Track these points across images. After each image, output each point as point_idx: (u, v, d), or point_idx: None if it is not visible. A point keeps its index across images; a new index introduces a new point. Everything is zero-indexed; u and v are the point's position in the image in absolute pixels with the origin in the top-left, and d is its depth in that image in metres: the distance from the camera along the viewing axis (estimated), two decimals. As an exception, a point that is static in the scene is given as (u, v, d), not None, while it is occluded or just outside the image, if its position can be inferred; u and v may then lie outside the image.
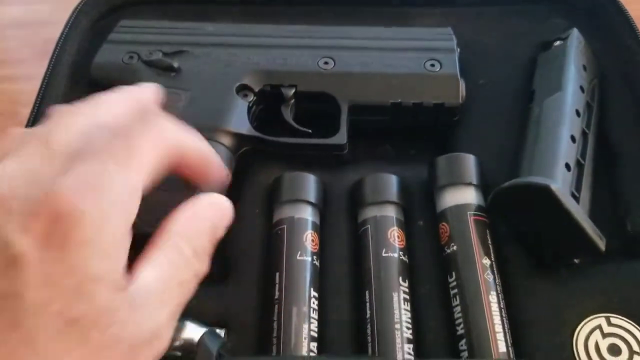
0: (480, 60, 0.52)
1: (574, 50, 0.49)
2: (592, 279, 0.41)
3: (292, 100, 0.48)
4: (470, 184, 0.43)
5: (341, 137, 0.46)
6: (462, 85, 0.48)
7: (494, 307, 0.39)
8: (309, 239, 0.42)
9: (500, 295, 0.40)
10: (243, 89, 0.48)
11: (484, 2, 0.55)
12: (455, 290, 0.40)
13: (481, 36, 0.54)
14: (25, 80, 0.74)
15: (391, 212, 0.43)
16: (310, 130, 0.47)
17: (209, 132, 0.39)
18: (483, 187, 0.44)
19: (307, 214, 0.43)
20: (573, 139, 0.43)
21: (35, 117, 0.50)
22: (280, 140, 0.46)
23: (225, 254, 0.43)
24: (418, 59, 0.49)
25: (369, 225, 0.43)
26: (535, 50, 0.52)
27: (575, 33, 0.50)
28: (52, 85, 0.52)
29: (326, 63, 0.49)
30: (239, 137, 0.44)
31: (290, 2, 0.58)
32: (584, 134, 0.45)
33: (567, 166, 0.42)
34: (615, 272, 0.42)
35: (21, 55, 0.80)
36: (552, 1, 0.55)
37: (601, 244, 0.39)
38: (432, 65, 0.48)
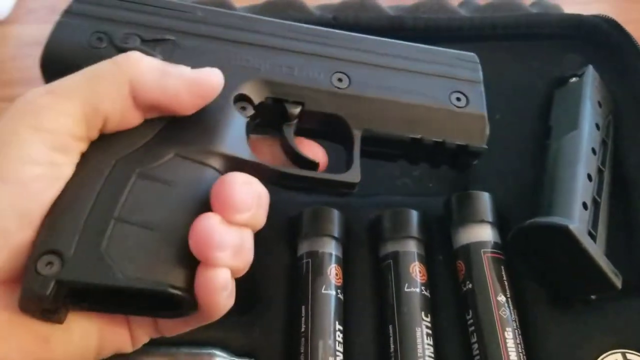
0: (496, 96, 0.53)
1: (590, 87, 0.50)
2: (609, 315, 0.43)
3: (296, 120, 0.40)
4: (484, 221, 0.45)
5: (354, 175, 0.39)
6: (487, 127, 0.42)
7: (510, 343, 0.40)
8: (333, 273, 0.43)
9: (517, 331, 0.41)
10: (241, 100, 0.39)
11: (498, 37, 0.56)
12: (473, 328, 0.41)
13: (496, 71, 0.54)
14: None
15: (412, 247, 0.45)
16: (317, 161, 0.40)
17: (197, 152, 0.34)
18: (498, 223, 0.45)
19: (331, 248, 0.44)
20: (589, 177, 0.45)
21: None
22: (282, 169, 0.38)
23: (252, 286, 0.44)
24: (443, 88, 0.42)
25: (390, 260, 0.44)
26: (550, 85, 0.54)
27: (590, 70, 0.52)
28: None
29: (340, 80, 0.41)
30: (234, 162, 0.35)
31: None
32: (600, 172, 0.47)
33: (584, 205, 0.43)
34: (631, 308, 0.43)
35: (38, 75, 0.81)
36: (565, 37, 0.57)
37: (617, 282, 0.40)
38: (458, 99, 0.42)
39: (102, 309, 0.31)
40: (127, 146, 0.33)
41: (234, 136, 0.36)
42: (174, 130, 0.34)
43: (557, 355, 0.41)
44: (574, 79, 0.52)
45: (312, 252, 0.44)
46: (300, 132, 0.41)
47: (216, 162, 0.34)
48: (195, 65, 0.35)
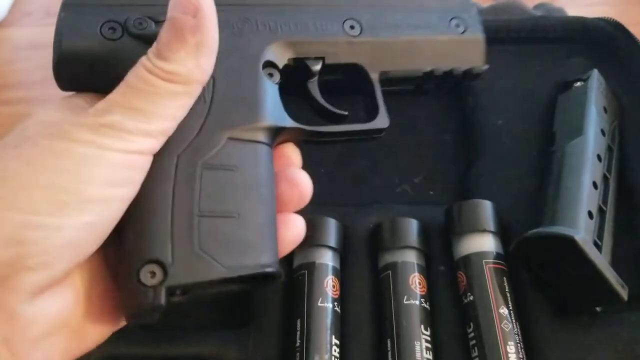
0: (499, 101, 0.52)
1: (595, 92, 0.49)
2: (614, 328, 0.41)
3: (317, 76, 0.41)
4: (486, 231, 0.43)
5: (382, 120, 0.41)
6: (485, 48, 0.45)
7: (513, 357, 0.39)
8: (329, 285, 0.42)
9: (519, 344, 0.39)
10: (267, 67, 0.38)
11: (500, 41, 0.55)
12: (474, 341, 0.40)
13: (498, 76, 0.53)
14: (40, 102, 0.74)
15: (412, 257, 0.43)
16: (346, 113, 0.41)
17: (246, 132, 0.34)
18: (500, 233, 0.44)
19: (328, 259, 0.43)
20: (595, 185, 0.43)
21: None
22: (320, 129, 0.39)
23: (245, 298, 0.43)
24: (443, 17, 0.44)
25: (389, 271, 0.43)
26: (554, 90, 0.52)
27: (595, 74, 0.50)
28: None
29: (352, 27, 0.41)
30: (278, 131, 0.36)
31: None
32: (605, 179, 0.45)
33: (590, 214, 0.42)
34: (638, 320, 0.41)
35: (36, 78, 0.80)
36: (571, 41, 0.55)
37: (624, 293, 0.39)
38: (457, 25, 0.44)
39: (194, 297, 0.32)
40: (182, 139, 0.33)
41: (273, 106, 0.36)
42: (219, 113, 0.34)
43: (561, 370, 0.40)
44: (578, 84, 0.51)
45: (308, 263, 0.43)
46: (320, 87, 0.41)
47: (264, 137, 0.35)
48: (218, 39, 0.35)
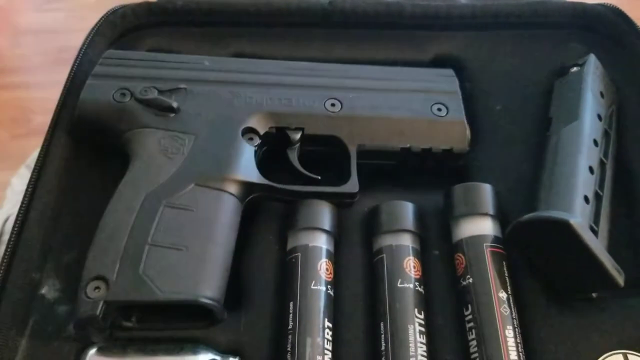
0: (497, 86, 0.52)
1: (591, 76, 0.48)
2: (611, 314, 0.41)
3: (298, 144, 0.46)
4: (486, 214, 0.43)
5: (353, 186, 0.45)
6: (468, 131, 0.47)
7: (511, 342, 0.38)
8: (323, 268, 0.42)
9: (517, 329, 0.39)
10: (248, 132, 0.45)
11: (499, 26, 0.55)
12: (471, 324, 0.40)
13: (497, 61, 0.53)
14: (38, 87, 0.74)
15: (407, 241, 0.43)
16: (319, 177, 0.45)
17: (214, 181, 0.40)
18: (499, 217, 0.44)
19: (322, 242, 0.43)
20: (591, 170, 0.43)
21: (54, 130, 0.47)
22: (290, 188, 0.44)
23: (238, 280, 0.43)
24: (425, 102, 0.48)
25: (384, 255, 0.43)
26: (552, 75, 0.52)
27: (592, 59, 0.50)
28: (72, 94, 0.49)
29: (333, 105, 0.47)
30: (247, 186, 0.42)
31: (302, 24, 0.56)
32: (602, 164, 0.45)
33: (586, 199, 0.41)
34: (634, 306, 0.41)
35: (34, 63, 0.80)
36: (568, 26, 0.55)
37: (620, 279, 0.39)
38: (439, 109, 0.48)
39: (147, 326, 0.38)
40: (154, 182, 0.39)
41: (245, 163, 0.42)
42: (192, 164, 0.40)
43: (556, 355, 0.39)
44: (574, 69, 0.50)
45: (302, 246, 0.43)
46: (303, 154, 0.46)
47: (231, 188, 0.41)
48: (206, 107, 0.45)
